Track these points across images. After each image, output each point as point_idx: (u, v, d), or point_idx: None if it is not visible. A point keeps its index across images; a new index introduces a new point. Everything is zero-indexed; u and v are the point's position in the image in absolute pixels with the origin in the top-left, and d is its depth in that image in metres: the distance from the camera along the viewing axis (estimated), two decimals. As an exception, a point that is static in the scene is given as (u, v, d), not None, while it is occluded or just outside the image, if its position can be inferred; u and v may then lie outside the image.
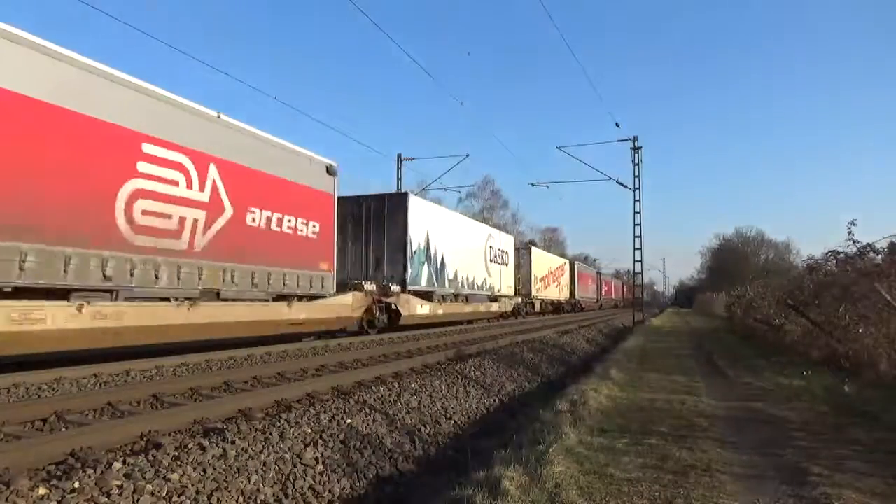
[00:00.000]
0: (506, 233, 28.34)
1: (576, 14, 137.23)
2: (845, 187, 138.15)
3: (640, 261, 26.71)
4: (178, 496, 3.32)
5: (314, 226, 12.09)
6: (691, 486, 3.68)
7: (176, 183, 8.84)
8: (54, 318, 6.91)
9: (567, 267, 41.01)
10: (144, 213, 8.28)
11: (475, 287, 21.58)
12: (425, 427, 5.83)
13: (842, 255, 10.84)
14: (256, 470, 3.85)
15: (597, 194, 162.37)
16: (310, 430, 4.72)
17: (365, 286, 14.18)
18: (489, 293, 23.24)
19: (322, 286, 12.22)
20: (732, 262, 61.71)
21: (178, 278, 8.77)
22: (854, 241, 9.93)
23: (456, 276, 19.68)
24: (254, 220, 10.42)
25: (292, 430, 4.62)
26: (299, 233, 11.61)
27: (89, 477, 3.27)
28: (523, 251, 31.22)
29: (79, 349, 7.47)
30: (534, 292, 31.23)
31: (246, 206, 10.25)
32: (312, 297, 11.93)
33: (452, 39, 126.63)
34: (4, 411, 4.83)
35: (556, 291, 36.90)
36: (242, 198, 10.16)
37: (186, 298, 8.86)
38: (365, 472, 4.46)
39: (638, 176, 25.68)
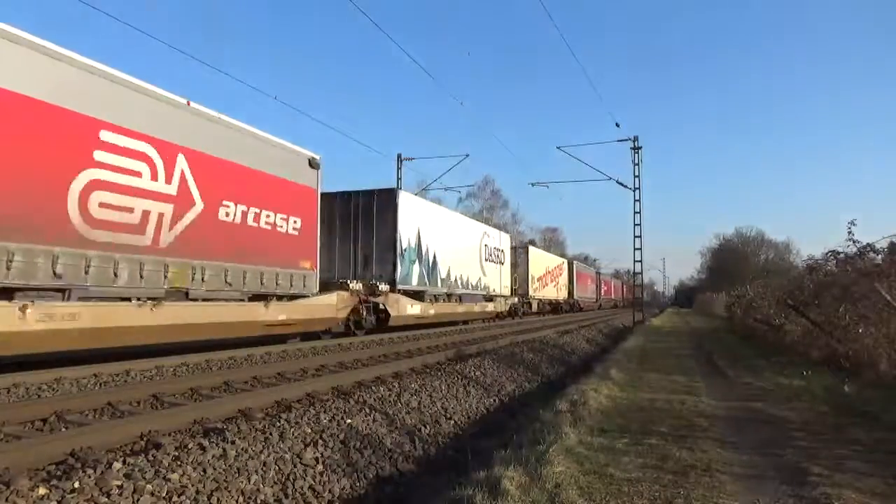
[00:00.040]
0: (503, 231, 28.04)
1: (576, 14, 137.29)
2: (845, 187, 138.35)
3: (640, 261, 26.74)
4: (178, 496, 3.32)
5: (295, 221, 11.54)
6: (691, 486, 3.68)
7: (139, 174, 8.25)
8: None
9: (565, 266, 40.74)
10: (102, 205, 7.70)
11: (469, 286, 21.13)
12: (425, 427, 5.83)
13: (842, 255, 10.85)
14: (256, 470, 3.85)
15: (597, 194, 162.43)
16: (310, 430, 4.72)
17: (351, 285, 13.65)
18: (484, 293, 22.81)
19: (304, 285, 11.71)
20: (732, 262, 61.73)
21: (141, 276, 8.19)
22: (854, 241, 9.95)
23: (449, 274, 19.22)
24: (227, 214, 9.85)
25: (292, 430, 4.62)
26: (278, 229, 11.09)
27: (89, 477, 3.27)
28: (520, 250, 30.84)
29: (25, 353, 6.93)
30: (531, 292, 30.88)
31: (219, 200, 9.67)
32: (293, 297, 11.45)
33: (452, 39, 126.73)
34: (4, 411, 4.83)
35: (554, 291, 36.71)
36: (215, 191, 9.57)
37: (150, 298, 8.27)
38: (365, 472, 4.46)
39: (638, 176, 25.71)
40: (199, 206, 9.29)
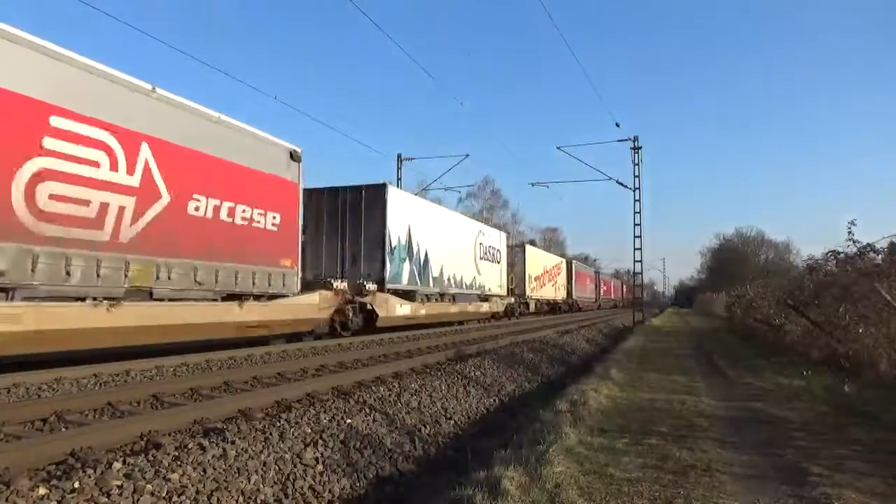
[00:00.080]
0: (500, 230, 27.66)
1: (576, 14, 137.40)
2: (845, 188, 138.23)
3: (640, 261, 26.76)
4: (178, 496, 3.33)
5: (274, 217, 10.90)
6: (691, 486, 3.68)
7: (96, 164, 7.62)
8: None
9: (564, 266, 40.48)
10: (53, 197, 7.07)
11: (463, 286, 20.45)
12: (425, 427, 5.83)
13: (842, 255, 10.85)
14: (256, 470, 3.86)
15: (597, 194, 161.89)
16: (310, 430, 4.72)
17: (335, 284, 12.98)
18: (479, 292, 22.13)
19: (283, 284, 11.08)
20: (732, 262, 61.75)
21: (98, 274, 7.55)
22: (854, 241, 9.95)
23: (442, 273, 18.53)
24: (198, 209, 9.19)
25: (292, 430, 4.62)
26: (255, 224, 10.45)
27: (89, 477, 3.27)
28: (517, 249, 30.30)
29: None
30: (528, 292, 30.46)
31: (188, 193, 9.03)
32: (273, 297, 10.86)
33: (453, 39, 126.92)
34: (4, 411, 4.83)
35: (553, 291, 36.44)
36: (183, 183, 8.93)
37: (107, 298, 7.68)
38: (365, 472, 4.46)
39: (638, 176, 25.73)
40: (166, 199, 8.65)
